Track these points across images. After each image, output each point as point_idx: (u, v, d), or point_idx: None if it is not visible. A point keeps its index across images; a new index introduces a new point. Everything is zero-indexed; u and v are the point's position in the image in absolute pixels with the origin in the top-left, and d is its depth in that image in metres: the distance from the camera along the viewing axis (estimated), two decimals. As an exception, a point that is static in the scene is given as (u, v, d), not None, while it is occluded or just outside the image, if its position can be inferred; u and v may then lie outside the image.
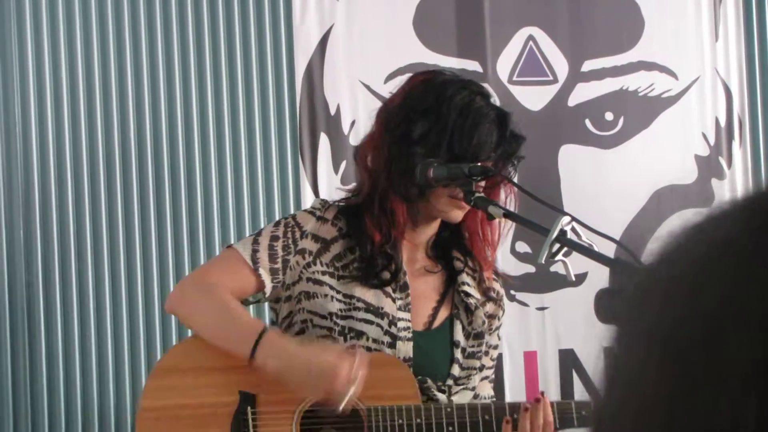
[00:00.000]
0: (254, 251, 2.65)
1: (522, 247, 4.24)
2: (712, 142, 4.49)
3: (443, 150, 2.59)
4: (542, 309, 4.29)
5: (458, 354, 2.72)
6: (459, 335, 2.73)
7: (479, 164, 2.61)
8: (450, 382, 2.70)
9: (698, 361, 0.68)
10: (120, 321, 3.91)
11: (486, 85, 4.17)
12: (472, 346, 2.75)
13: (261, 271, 2.64)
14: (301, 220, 2.70)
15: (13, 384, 3.84)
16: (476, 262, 2.78)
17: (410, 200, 2.64)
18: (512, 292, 4.26)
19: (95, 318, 3.90)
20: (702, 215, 0.75)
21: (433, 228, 2.75)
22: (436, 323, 2.74)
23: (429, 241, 2.77)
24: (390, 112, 2.69)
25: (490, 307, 2.81)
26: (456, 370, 2.71)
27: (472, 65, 4.25)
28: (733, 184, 4.50)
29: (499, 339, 2.91)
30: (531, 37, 4.33)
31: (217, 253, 3.94)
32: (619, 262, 2.10)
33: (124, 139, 3.95)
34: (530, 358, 4.27)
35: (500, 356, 4.21)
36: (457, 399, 2.70)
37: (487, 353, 2.81)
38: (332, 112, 4.11)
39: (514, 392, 4.20)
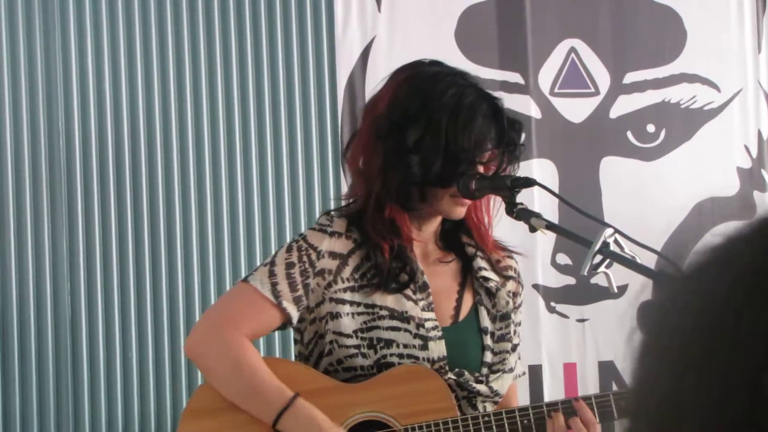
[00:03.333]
0: (273, 284, 2.58)
1: (562, 258, 4.24)
2: (754, 154, 4.47)
3: (440, 153, 2.53)
4: (582, 321, 4.28)
5: (488, 340, 2.67)
6: (486, 321, 2.68)
7: (519, 176, 2.58)
8: (485, 370, 2.65)
9: (713, 376, 0.70)
10: (161, 329, 3.94)
11: (527, 97, 4.24)
12: (500, 329, 2.70)
13: (285, 304, 2.57)
14: (314, 241, 2.61)
15: (56, 389, 3.87)
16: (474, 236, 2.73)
17: (410, 208, 2.60)
18: (552, 303, 4.26)
19: (136, 325, 3.93)
20: (723, 237, 0.77)
21: (437, 221, 2.70)
22: (462, 314, 2.69)
23: (436, 232, 2.72)
24: (379, 117, 2.61)
25: (510, 285, 2.76)
26: (488, 357, 2.66)
27: (514, 77, 4.26)
28: (776, 197, 4.48)
29: (521, 314, 2.83)
30: (573, 49, 4.33)
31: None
32: (662, 274, 2.09)
33: (166, 151, 3.98)
34: (570, 370, 4.26)
35: (539, 367, 4.21)
36: (497, 385, 2.65)
37: (515, 332, 2.75)
38: (373, 123, 4.12)
39: (554, 404, 4.20)
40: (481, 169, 2.57)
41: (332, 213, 2.69)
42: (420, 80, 2.62)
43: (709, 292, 0.74)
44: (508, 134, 2.58)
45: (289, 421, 2.51)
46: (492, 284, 2.71)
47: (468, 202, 2.62)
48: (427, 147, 2.54)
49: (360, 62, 4.15)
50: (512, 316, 2.74)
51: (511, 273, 2.78)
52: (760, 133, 4.49)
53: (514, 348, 2.73)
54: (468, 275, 2.73)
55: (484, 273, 2.72)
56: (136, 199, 3.95)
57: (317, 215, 4.02)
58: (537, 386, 4.19)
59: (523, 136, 2.64)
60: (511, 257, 2.80)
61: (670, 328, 0.75)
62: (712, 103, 4.45)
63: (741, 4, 4.49)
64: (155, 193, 3.96)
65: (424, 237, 2.70)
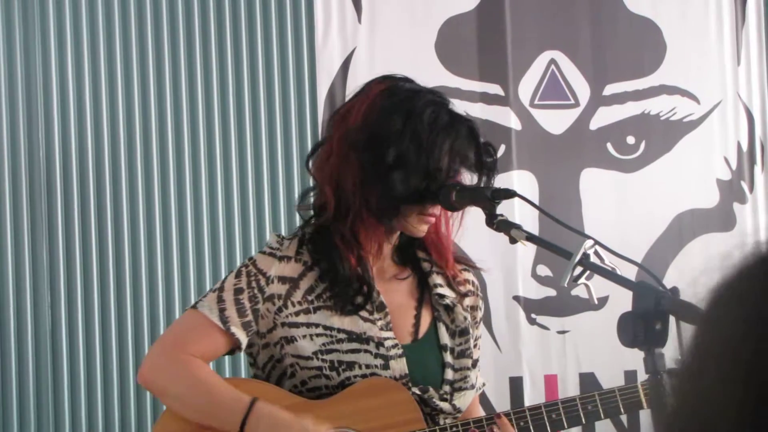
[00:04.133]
0: (221, 310, 2.57)
1: (543, 270, 4.24)
2: (733, 166, 4.48)
3: (419, 170, 2.52)
4: (563, 332, 4.28)
5: (448, 357, 2.66)
6: (445, 338, 2.67)
7: (499, 187, 2.58)
8: (447, 387, 2.63)
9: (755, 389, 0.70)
10: (141, 339, 3.93)
11: (507, 108, 4.24)
12: (460, 344, 2.68)
13: (233, 329, 2.56)
14: (263, 266, 2.60)
15: (36, 401, 3.85)
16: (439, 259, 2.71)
17: (388, 220, 2.57)
18: (533, 315, 4.26)
19: (116, 338, 3.91)
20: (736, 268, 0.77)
21: (395, 237, 2.68)
22: (422, 331, 2.67)
23: (392, 248, 2.70)
24: (353, 130, 2.58)
25: (469, 300, 2.75)
26: (450, 374, 2.65)
27: (494, 89, 4.26)
28: (755, 209, 4.49)
29: (480, 328, 2.81)
30: (553, 61, 4.34)
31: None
32: (642, 285, 2.09)
33: (146, 159, 3.97)
34: (551, 382, 4.26)
35: (520, 379, 4.21)
36: (460, 402, 2.64)
37: (475, 346, 2.74)
38: (354, 134, 4.11)
39: (535, 416, 4.20)
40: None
41: (283, 236, 2.67)
42: (399, 95, 2.60)
43: (725, 327, 0.74)
44: (485, 156, 2.58)
45: (253, 426, 2.50)
46: (448, 300, 2.69)
47: (432, 220, 2.61)
48: (409, 162, 2.52)
49: (340, 73, 4.15)
50: (471, 330, 2.72)
51: (469, 287, 2.76)
52: (739, 145, 4.50)
53: (475, 363, 2.72)
54: (425, 291, 2.72)
55: (440, 290, 2.70)
56: (116, 209, 3.93)
57: (298, 224, 4.03)
58: (518, 398, 4.19)
59: (499, 153, 2.65)
60: (468, 270, 2.78)
61: (695, 357, 0.76)
62: (692, 115, 4.46)
63: (720, 16, 4.50)
64: (135, 202, 3.95)
65: (383, 253, 2.68)
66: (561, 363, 4.28)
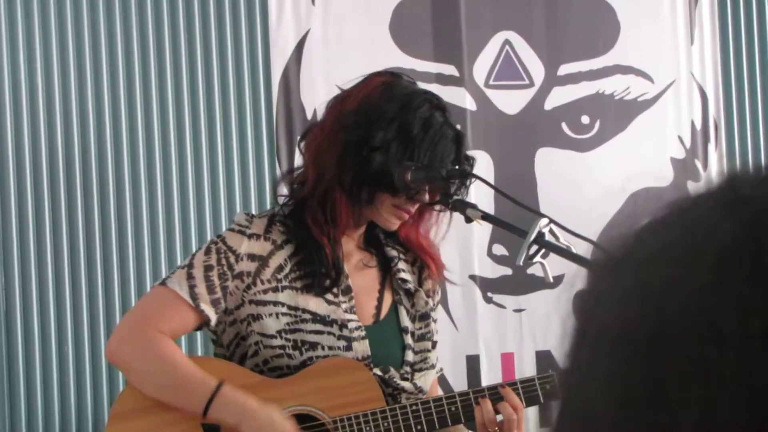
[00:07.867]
0: (191, 287, 2.59)
1: (499, 249, 4.25)
2: (687, 144, 4.51)
3: (400, 159, 2.57)
4: (519, 311, 4.30)
5: (409, 339, 2.71)
6: (406, 321, 2.72)
7: (456, 167, 2.61)
8: (407, 368, 2.68)
9: (641, 365, 0.69)
10: (96, 323, 3.91)
11: (462, 89, 4.25)
12: (420, 328, 2.74)
13: (203, 306, 2.59)
14: (232, 243, 2.63)
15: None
16: (415, 254, 2.78)
17: (357, 203, 2.62)
18: (489, 294, 4.28)
19: (72, 319, 3.90)
20: (649, 219, 0.75)
21: (363, 227, 2.75)
22: (383, 313, 2.73)
23: (362, 235, 2.77)
24: (347, 111, 2.64)
25: (428, 284, 2.81)
26: (410, 356, 2.70)
27: (449, 69, 4.27)
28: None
29: (439, 311, 2.89)
30: (507, 41, 4.35)
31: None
32: (596, 263, 2.10)
33: (100, 143, 3.95)
34: (507, 360, 4.28)
35: (477, 357, 4.23)
36: (421, 382, 2.69)
37: (435, 330, 2.80)
38: (309, 116, 4.11)
39: (492, 395, 4.22)
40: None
41: (252, 214, 2.71)
42: (398, 88, 2.67)
43: (635, 280, 0.73)
44: (465, 164, 2.64)
45: (218, 410, 2.52)
46: (410, 285, 2.75)
47: (405, 216, 2.65)
48: (393, 150, 2.58)
49: (295, 55, 4.14)
50: (431, 314, 2.78)
51: (427, 272, 2.81)
52: (693, 124, 4.53)
53: (434, 345, 2.77)
54: (387, 276, 2.77)
55: (402, 275, 2.75)
56: (70, 190, 3.91)
57: (253, 207, 4.03)
58: (475, 376, 4.21)
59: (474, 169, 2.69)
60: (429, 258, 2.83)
61: (598, 316, 0.74)
62: (646, 95, 4.48)
63: (674, -5, 4.53)
64: (89, 182, 3.93)
65: (353, 237, 2.74)
66: (517, 341, 4.30)
